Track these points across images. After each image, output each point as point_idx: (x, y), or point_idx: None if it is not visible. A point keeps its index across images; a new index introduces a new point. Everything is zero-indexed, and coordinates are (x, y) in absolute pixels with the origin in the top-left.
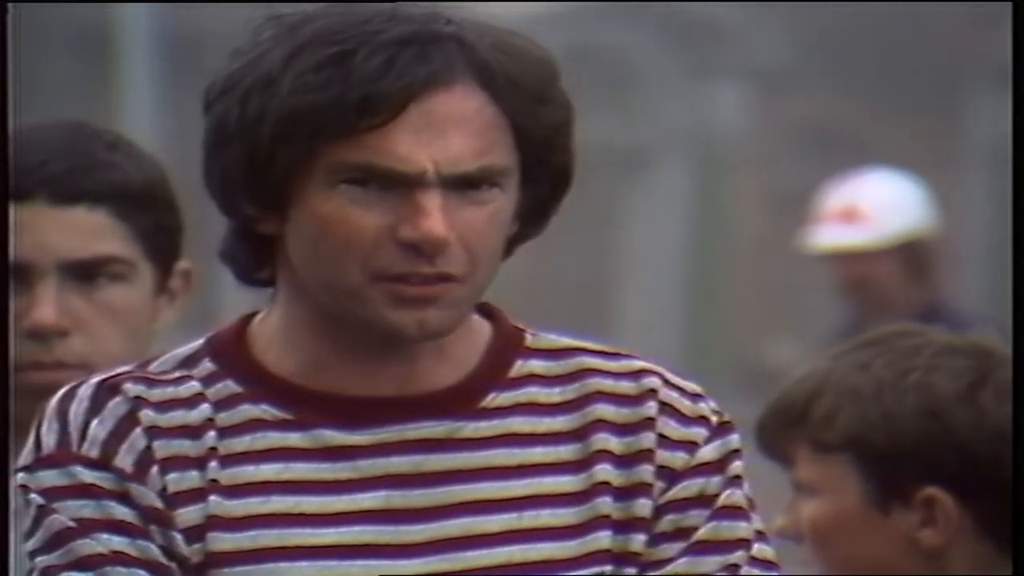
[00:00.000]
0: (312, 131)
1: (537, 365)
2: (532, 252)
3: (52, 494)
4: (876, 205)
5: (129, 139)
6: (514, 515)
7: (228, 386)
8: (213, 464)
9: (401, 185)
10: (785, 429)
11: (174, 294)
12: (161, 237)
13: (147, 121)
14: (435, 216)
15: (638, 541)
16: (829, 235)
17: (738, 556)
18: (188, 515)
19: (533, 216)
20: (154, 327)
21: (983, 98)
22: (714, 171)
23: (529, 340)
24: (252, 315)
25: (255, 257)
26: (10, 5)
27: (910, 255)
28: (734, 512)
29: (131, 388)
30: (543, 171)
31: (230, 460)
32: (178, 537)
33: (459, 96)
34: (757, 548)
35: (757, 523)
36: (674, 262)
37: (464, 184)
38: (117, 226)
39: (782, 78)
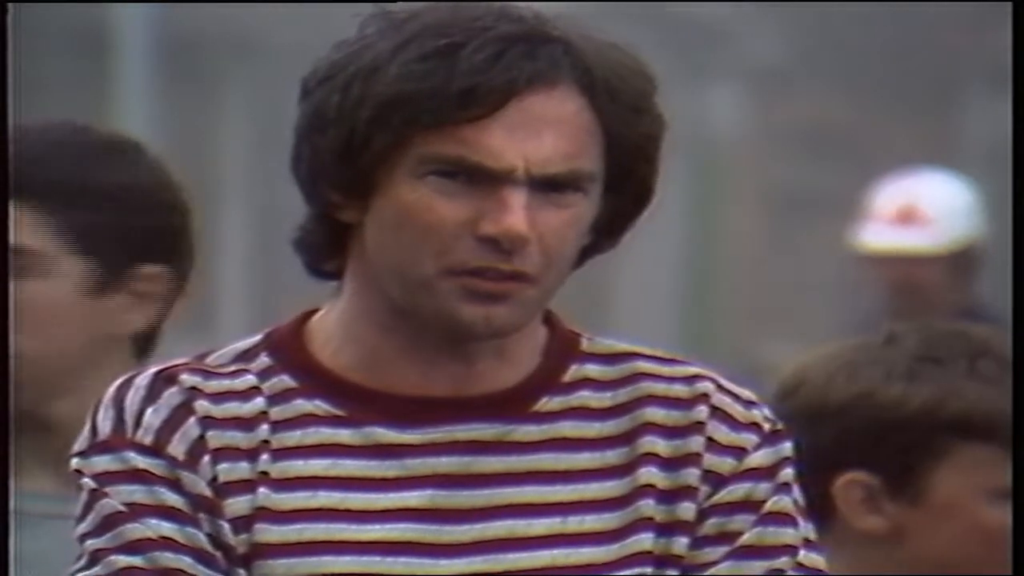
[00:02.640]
0: (408, 118)
1: (592, 370)
2: None
3: (104, 478)
4: (937, 208)
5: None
6: (558, 519)
7: (283, 380)
8: (264, 457)
9: (488, 180)
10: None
11: (140, 297)
12: (93, 235)
13: (142, 121)
14: (519, 213)
15: (680, 544)
16: (884, 236)
17: (783, 562)
18: (237, 505)
19: (610, 228)
20: (115, 329)
21: (979, 100)
22: (710, 171)
23: (585, 344)
24: (312, 311)
25: (329, 245)
26: (10, 5)
27: (961, 261)
28: (781, 518)
29: (187, 379)
30: (628, 182)
31: (281, 454)
32: (225, 526)
33: (559, 97)
34: (804, 555)
35: (806, 530)
36: (670, 262)
37: (550, 185)
38: (40, 221)
39: (778, 79)
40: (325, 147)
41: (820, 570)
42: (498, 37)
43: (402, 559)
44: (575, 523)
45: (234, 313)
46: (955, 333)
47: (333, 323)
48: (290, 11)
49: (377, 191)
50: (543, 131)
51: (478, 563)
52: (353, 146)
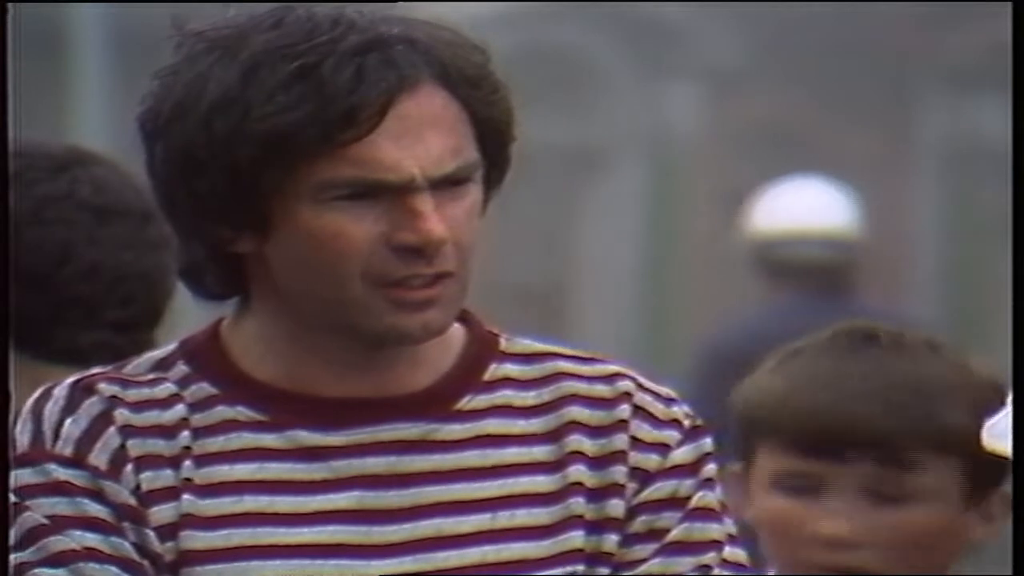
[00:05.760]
0: (295, 149)
1: (511, 369)
2: (487, 252)
3: (25, 492)
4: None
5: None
6: (487, 515)
7: (203, 388)
8: (187, 463)
9: (390, 192)
10: (912, 430)
11: None
12: None
13: (99, 120)
14: (432, 218)
15: (611, 541)
16: None
17: (710, 557)
18: (161, 513)
19: (484, 204)
20: None
21: (934, 100)
22: (668, 171)
23: (503, 344)
24: (222, 320)
25: (225, 275)
26: (10, 5)
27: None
28: (707, 514)
29: (106, 388)
30: (499, 158)
31: (204, 460)
32: (151, 535)
33: (426, 97)
34: (729, 551)
35: (729, 526)
36: (628, 261)
37: (446, 183)
38: None
39: (735, 79)
40: (205, 188)
41: (743, 565)
42: (349, 50)
43: (332, 561)
44: (505, 519)
45: (187, 309)
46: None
47: (248, 336)
48: (246, 9)
49: (273, 222)
50: (424, 133)
51: (408, 563)
52: (239, 184)
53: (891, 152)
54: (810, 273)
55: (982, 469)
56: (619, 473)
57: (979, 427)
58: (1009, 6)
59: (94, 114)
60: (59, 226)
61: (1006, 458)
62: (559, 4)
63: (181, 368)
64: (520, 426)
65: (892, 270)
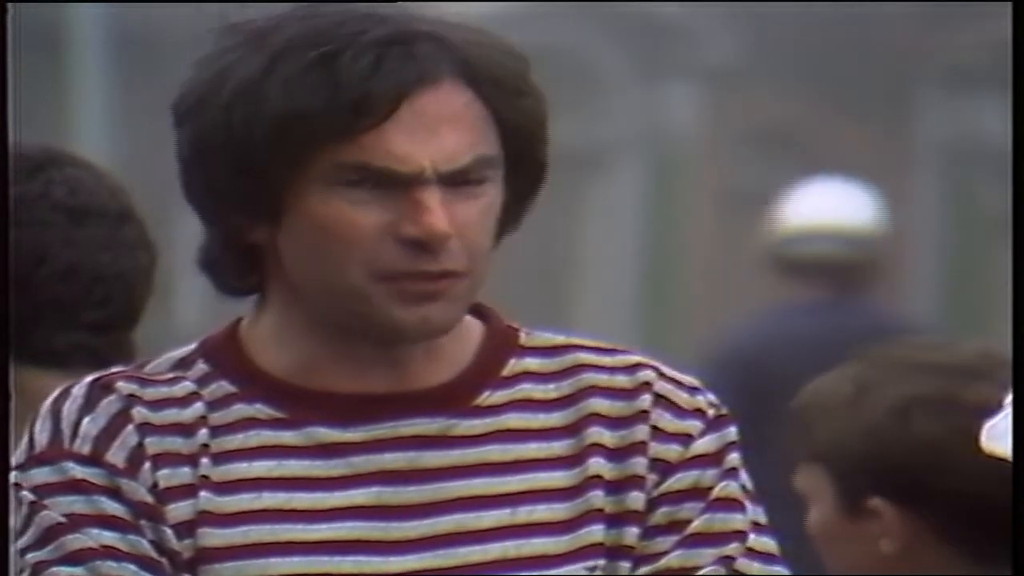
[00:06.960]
0: (307, 134)
1: (531, 363)
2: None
3: (43, 491)
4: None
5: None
6: (507, 511)
7: (222, 386)
8: (204, 461)
9: (399, 184)
10: (791, 437)
11: None
12: None
13: (99, 120)
14: (437, 212)
15: (631, 534)
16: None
17: (733, 548)
18: (179, 511)
19: (513, 211)
20: None
21: (934, 100)
22: (668, 171)
23: (523, 338)
24: (241, 319)
25: (242, 266)
26: (10, 5)
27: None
28: (729, 504)
29: (124, 386)
30: (525, 164)
31: (222, 457)
32: (168, 532)
33: (446, 94)
34: (755, 540)
35: (756, 515)
36: (629, 262)
37: (459, 179)
38: None
39: (736, 79)
40: (219, 173)
41: (771, 553)
42: (372, 42)
43: (351, 557)
44: (525, 513)
45: (192, 312)
46: None
47: (265, 333)
48: (249, 10)
49: (285, 210)
50: (440, 129)
51: (428, 558)
52: (251, 169)
53: (891, 152)
54: (829, 271)
55: (848, 477)
56: (639, 465)
57: (847, 440)
58: (1009, 6)
59: (94, 114)
60: (34, 227)
61: (1004, 459)
62: (559, 4)
63: (200, 367)
64: (540, 420)
65: (891, 270)
